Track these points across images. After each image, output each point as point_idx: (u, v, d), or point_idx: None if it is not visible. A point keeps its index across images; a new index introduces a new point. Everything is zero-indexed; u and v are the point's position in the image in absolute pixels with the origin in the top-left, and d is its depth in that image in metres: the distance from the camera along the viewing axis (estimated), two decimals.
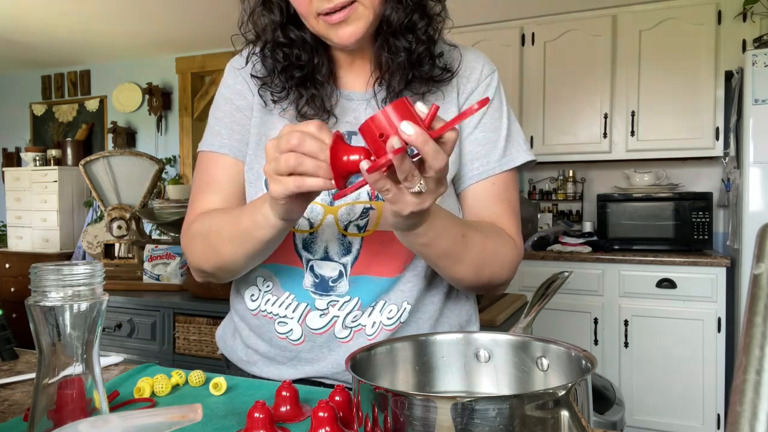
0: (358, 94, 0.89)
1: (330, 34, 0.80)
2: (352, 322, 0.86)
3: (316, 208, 0.85)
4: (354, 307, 0.86)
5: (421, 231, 0.72)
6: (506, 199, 0.90)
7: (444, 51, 0.87)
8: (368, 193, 0.85)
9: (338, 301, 0.86)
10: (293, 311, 0.88)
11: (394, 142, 0.57)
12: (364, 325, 0.86)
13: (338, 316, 0.86)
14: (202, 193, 0.92)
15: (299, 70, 0.85)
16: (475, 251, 0.80)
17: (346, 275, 0.86)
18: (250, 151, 0.90)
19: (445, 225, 0.75)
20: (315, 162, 0.63)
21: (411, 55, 0.82)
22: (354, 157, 0.62)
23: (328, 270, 0.86)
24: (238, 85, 0.92)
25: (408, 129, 0.57)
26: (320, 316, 0.87)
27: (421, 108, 0.59)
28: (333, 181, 0.63)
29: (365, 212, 0.85)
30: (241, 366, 0.96)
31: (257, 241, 0.78)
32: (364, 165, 0.59)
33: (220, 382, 0.79)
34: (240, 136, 0.91)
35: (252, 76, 0.89)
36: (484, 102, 0.58)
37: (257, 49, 0.88)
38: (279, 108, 0.89)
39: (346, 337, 0.87)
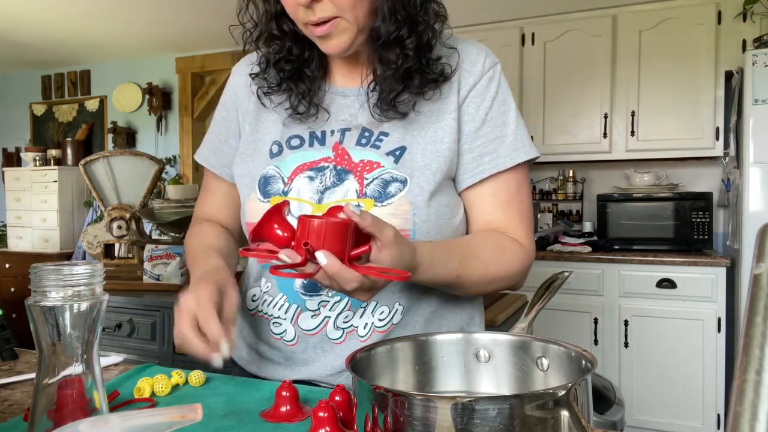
0: (352, 90, 0.90)
1: (317, 43, 0.83)
2: (344, 322, 0.86)
3: (305, 208, 0.85)
4: (344, 307, 0.85)
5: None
6: (518, 201, 0.89)
7: (442, 54, 0.86)
8: (356, 191, 0.83)
9: (329, 301, 0.85)
10: (285, 312, 0.88)
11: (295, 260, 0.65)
12: (356, 326, 0.86)
13: (329, 317, 0.86)
14: (203, 194, 1.05)
15: (290, 64, 0.88)
16: (474, 280, 0.83)
17: None
18: (241, 156, 0.93)
19: (435, 273, 0.77)
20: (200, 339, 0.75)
21: (398, 71, 0.82)
22: (279, 234, 0.69)
23: None
24: (231, 94, 0.99)
25: (322, 260, 0.64)
26: (312, 317, 0.86)
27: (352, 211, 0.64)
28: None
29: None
30: (243, 365, 0.96)
31: None
32: (283, 257, 0.65)
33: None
34: (225, 156, 0.99)
35: (250, 75, 0.93)
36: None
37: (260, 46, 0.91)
38: (272, 104, 0.92)
39: (339, 338, 0.86)
